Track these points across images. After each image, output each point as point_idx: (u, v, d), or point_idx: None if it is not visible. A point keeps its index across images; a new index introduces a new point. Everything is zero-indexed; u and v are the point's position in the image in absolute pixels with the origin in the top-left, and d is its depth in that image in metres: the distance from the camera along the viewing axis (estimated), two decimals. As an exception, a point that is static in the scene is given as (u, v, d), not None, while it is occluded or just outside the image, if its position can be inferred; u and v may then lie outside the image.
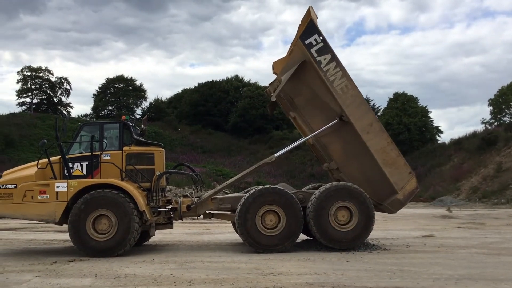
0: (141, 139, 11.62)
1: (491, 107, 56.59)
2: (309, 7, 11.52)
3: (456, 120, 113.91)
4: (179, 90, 74.92)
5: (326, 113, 11.68)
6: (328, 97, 11.50)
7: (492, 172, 38.41)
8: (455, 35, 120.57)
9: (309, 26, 11.37)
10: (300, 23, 11.90)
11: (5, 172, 11.11)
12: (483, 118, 60.21)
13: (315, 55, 11.28)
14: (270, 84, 12.58)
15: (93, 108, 65.74)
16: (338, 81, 11.31)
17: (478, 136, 45.94)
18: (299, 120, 12.28)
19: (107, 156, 11.04)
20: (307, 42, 11.30)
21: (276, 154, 12.04)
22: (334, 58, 11.35)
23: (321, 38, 11.32)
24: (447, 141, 52.31)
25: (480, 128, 52.39)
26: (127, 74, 74.25)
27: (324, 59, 11.30)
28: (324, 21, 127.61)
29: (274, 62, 12.64)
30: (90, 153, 10.89)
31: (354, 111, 11.38)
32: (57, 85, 65.17)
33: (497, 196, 34.77)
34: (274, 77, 12.32)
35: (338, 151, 12.02)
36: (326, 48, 11.35)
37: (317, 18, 11.65)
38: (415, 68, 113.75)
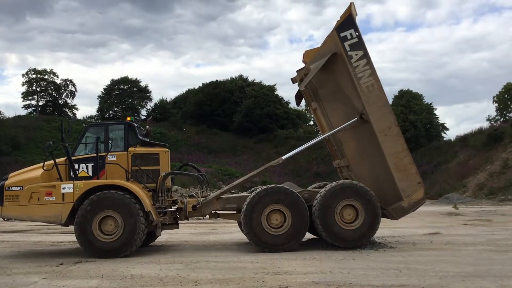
0: (146, 139, 11.65)
1: (496, 104, 56.36)
2: (350, 3, 11.50)
3: (463, 117, 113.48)
4: (184, 90, 74.93)
5: (347, 109, 11.67)
6: (353, 93, 11.48)
7: (498, 168, 38.25)
8: (462, 31, 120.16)
9: (347, 20, 11.37)
10: (338, 19, 11.80)
11: (11, 174, 11.15)
12: (488, 115, 59.92)
13: (348, 49, 11.28)
14: (297, 71, 12.56)
15: (99, 110, 65.99)
16: (365, 79, 11.29)
17: (484, 133, 45.73)
18: (319, 112, 12.30)
19: (112, 157, 11.06)
20: (342, 35, 11.30)
21: (284, 157, 12.00)
22: (366, 55, 11.33)
23: (357, 33, 11.32)
24: (453, 138, 52.20)
25: (486, 124, 52.24)
26: (133, 75, 74.47)
27: (356, 54, 11.30)
28: (330, 19, 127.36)
29: (305, 51, 12.66)
30: (95, 154, 10.93)
31: (375, 111, 11.35)
32: (62, 87, 65.50)
33: (503, 192, 34.63)
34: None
35: (352, 148, 11.98)
36: (359, 44, 11.34)
37: (356, 15, 11.62)
38: (421, 65, 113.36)
